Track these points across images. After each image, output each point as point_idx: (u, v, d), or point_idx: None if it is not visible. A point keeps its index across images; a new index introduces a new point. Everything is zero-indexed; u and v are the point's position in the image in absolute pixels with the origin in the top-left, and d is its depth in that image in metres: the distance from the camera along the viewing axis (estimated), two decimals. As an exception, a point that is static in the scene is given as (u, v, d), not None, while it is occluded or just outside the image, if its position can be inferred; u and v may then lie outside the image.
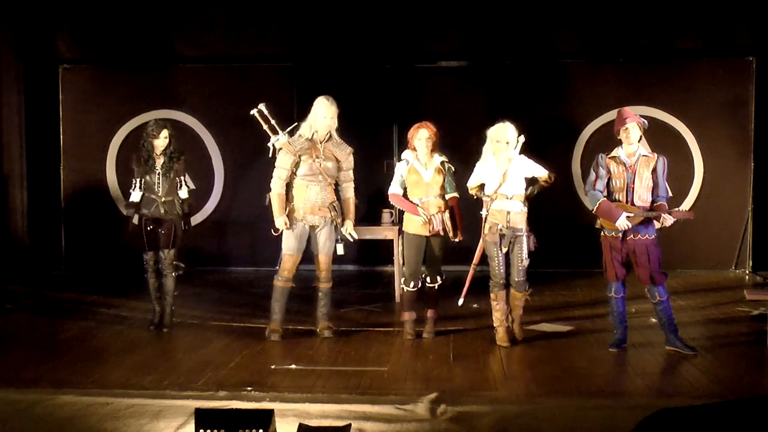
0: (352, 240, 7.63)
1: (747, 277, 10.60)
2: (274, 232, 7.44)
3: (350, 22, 10.95)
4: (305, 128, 7.46)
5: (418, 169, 7.29)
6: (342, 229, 7.52)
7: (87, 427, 5.37)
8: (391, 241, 9.46)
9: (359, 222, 9.70)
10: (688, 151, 10.77)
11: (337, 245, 7.53)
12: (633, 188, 6.81)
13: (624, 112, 6.92)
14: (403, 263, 7.51)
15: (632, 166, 6.82)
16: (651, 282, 6.84)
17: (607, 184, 6.89)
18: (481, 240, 7.20)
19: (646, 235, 6.81)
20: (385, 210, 9.46)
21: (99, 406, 5.60)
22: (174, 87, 11.19)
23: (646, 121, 7.00)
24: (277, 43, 11.02)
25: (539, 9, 10.86)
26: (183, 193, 7.71)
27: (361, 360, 6.81)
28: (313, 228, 7.42)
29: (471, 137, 10.18)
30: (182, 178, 7.70)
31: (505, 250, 7.11)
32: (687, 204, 10.69)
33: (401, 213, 8.01)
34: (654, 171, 6.83)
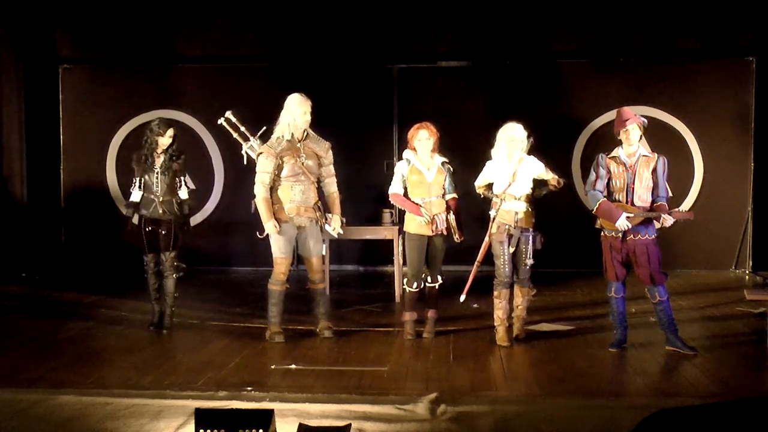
0: (338, 236, 7.62)
1: (747, 277, 10.60)
2: (260, 235, 7.41)
3: (351, 23, 10.95)
4: (282, 129, 7.34)
5: (420, 169, 7.28)
6: (329, 225, 7.48)
7: (87, 427, 5.37)
8: (391, 241, 9.46)
9: (360, 222, 9.76)
10: (688, 151, 10.77)
11: (333, 232, 7.50)
12: (633, 188, 6.81)
13: (624, 112, 6.91)
14: (404, 263, 7.51)
15: (632, 167, 6.82)
16: (651, 282, 6.85)
17: (608, 184, 6.89)
18: (486, 238, 7.23)
19: (646, 235, 6.81)
20: (385, 210, 9.46)
21: (99, 406, 5.60)
22: (174, 87, 11.19)
23: (645, 120, 7.00)
24: (277, 43, 11.02)
25: (539, 9, 10.86)
26: (183, 194, 7.70)
27: (361, 360, 6.81)
28: (300, 229, 7.38)
29: (471, 137, 10.25)
30: (182, 178, 7.68)
31: (512, 249, 7.15)
32: (687, 204, 10.69)
33: (401, 213, 8.02)
34: (654, 171, 6.83)
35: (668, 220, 6.77)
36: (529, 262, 7.18)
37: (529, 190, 7.17)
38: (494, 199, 7.21)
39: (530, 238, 7.16)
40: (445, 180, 7.32)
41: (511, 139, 7.13)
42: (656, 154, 6.91)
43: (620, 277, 6.93)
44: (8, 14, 10.74)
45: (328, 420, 5.31)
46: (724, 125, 10.78)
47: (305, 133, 7.40)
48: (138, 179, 7.63)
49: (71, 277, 10.62)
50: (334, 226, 7.49)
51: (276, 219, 7.30)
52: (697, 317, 8.28)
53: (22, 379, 6.24)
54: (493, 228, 7.18)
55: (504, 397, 5.84)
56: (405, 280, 7.44)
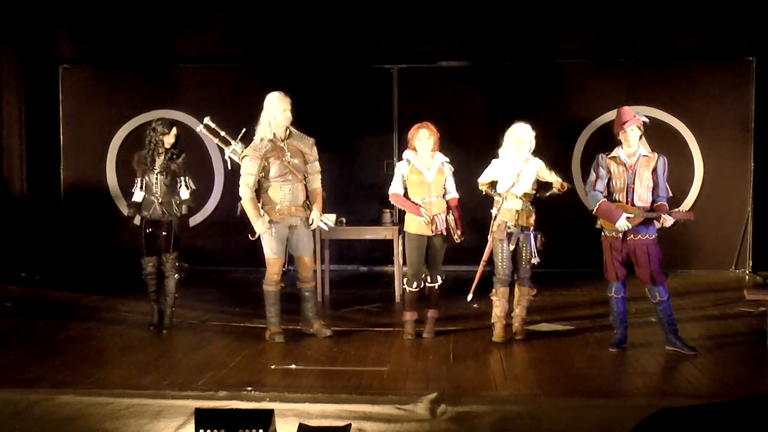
0: (327, 229, 7.62)
1: (747, 277, 10.60)
2: (251, 236, 7.40)
3: (351, 23, 10.95)
4: (263, 130, 7.29)
5: (420, 169, 7.29)
6: (322, 223, 7.47)
7: (87, 427, 5.37)
8: (391, 241, 9.46)
9: (360, 222, 9.75)
10: (688, 151, 10.76)
11: (318, 223, 7.45)
12: (633, 188, 6.81)
13: (623, 113, 6.90)
14: (404, 263, 7.51)
15: (632, 167, 6.82)
16: (651, 282, 6.85)
17: (608, 184, 6.90)
18: (489, 237, 7.25)
19: (647, 235, 6.81)
20: (385, 210, 9.45)
21: (99, 406, 5.60)
22: (174, 87, 11.19)
23: (646, 119, 7.00)
24: (277, 43, 11.01)
25: (539, 9, 10.85)
26: (184, 194, 7.69)
27: (361, 360, 6.81)
28: (291, 228, 7.37)
29: (471, 137, 10.25)
30: (183, 178, 7.67)
31: (512, 247, 7.21)
32: (687, 204, 10.68)
33: (401, 213, 8.02)
34: (654, 171, 6.84)
35: (668, 221, 6.77)
36: (535, 260, 7.23)
37: (531, 190, 7.20)
38: (497, 198, 7.24)
39: (530, 237, 7.19)
40: (445, 180, 7.33)
41: (519, 139, 7.18)
42: (656, 154, 6.91)
43: (620, 278, 6.93)
44: (8, 14, 10.74)
45: (328, 420, 5.32)
46: (724, 125, 10.78)
47: (288, 131, 7.35)
48: (139, 180, 7.62)
49: (71, 277, 10.62)
50: (313, 222, 7.40)
51: (268, 220, 7.28)
52: (697, 317, 8.28)
53: (22, 379, 6.24)
54: (494, 226, 7.22)
55: (504, 397, 5.84)
56: (405, 280, 7.44)
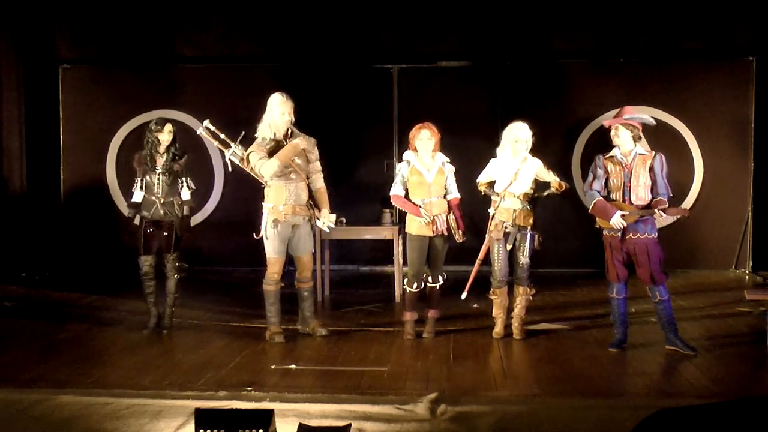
0: (328, 230, 7.63)
1: (747, 277, 10.60)
2: (256, 235, 7.40)
3: (350, 22, 10.95)
4: (264, 130, 7.34)
5: (420, 170, 7.29)
6: (320, 221, 7.48)
7: (87, 427, 5.37)
8: (391, 241, 9.46)
9: (360, 222, 9.75)
10: (688, 151, 10.77)
11: (323, 226, 7.47)
12: (630, 187, 6.84)
13: (620, 112, 6.98)
14: (404, 263, 7.52)
15: (628, 165, 6.85)
16: (652, 282, 6.85)
17: (606, 183, 6.93)
18: (487, 236, 7.28)
19: (646, 234, 6.82)
20: (385, 210, 9.46)
21: (99, 406, 5.60)
22: (174, 87, 11.19)
23: (646, 118, 7.01)
24: (277, 44, 11.01)
25: (540, 9, 10.85)
26: (185, 195, 7.68)
27: (361, 360, 6.81)
28: (294, 227, 7.37)
29: (471, 137, 10.25)
30: (184, 179, 7.67)
31: (509, 247, 7.24)
32: (687, 204, 10.69)
33: (401, 213, 8.02)
34: (651, 169, 6.85)
35: (663, 217, 6.77)
36: (525, 261, 7.22)
37: (529, 189, 7.23)
38: (494, 198, 7.26)
39: (528, 237, 7.20)
40: (446, 180, 7.34)
41: (517, 139, 7.21)
42: (653, 152, 6.94)
43: (621, 278, 6.93)
44: (8, 14, 10.74)
45: (328, 420, 5.32)
46: (724, 125, 10.78)
47: (290, 132, 7.37)
48: (139, 180, 7.62)
49: (71, 277, 10.62)
50: (324, 221, 7.46)
51: (273, 220, 7.29)
52: (697, 317, 8.27)
53: (22, 379, 6.24)
54: (491, 226, 7.25)
55: (504, 397, 5.84)
56: (405, 280, 7.45)
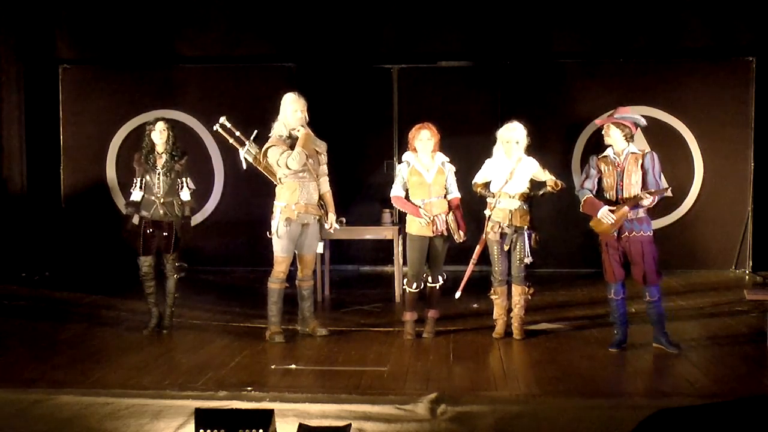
0: (333, 232, 7.64)
1: (747, 277, 10.60)
2: (269, 234, 7.42)
3: (350, 22, 10.95)
4: (279, 129, 7.38)
5: (420, 170, 7.30)
6: (327, 224, 7.50)
7: (87, 427, 5.37)
8: (391, 241, 9.46)
9: (360, 222, 9.76)
10: (688, 151, 10.76)
11: (319, 243, 7.54)
12: (622, 186, 6.86)
13: (615, 110, 7.01)
14: (404, 263, 7.52)
15: (621, 164, 6.88)
16: (644, 282, 6.87)
17: (599, 183, 6.97)
18: (482, 236, 7.29)
19: (641, 232, 6.84)
20: (385, 210, 9.46)
21: (99, 406, 5.60)
22: (174, 87, 11.19)
23: (637, 118, 7.03)
24: (277, 43, 11.02)
25: (539, 9, 10.86)
26: (185, 195, 7.67)
27: (361, 360, 6.81)
28: (304, 226, 7.40)
29: (471, 137, 10.25)
30: (184, 179, 7.66)
31: (507, 247, 7.25)
32: (687, 204, 10.70)
33: (402, 213, 8.02)
34: (643, 166, 6.86)
35: (646, 199, 6.78)
36: (527, 260, 7.24)
37: (525, 189, 7.25)
38: (489, 199, 7.28)
39: (525, 237, 7.21)
40: (446, 180, 7.34)
41: (506, 140, 7.24)
42: (644, 151, 6.97)
43: (618, 278, 6.94)
44: (8, 14, 10.74)
45: (328, 420, 5.32)
46: (724, 125, 10.77)
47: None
48: (139, 179, 7.61)
49: (71, 277, 10.62)
50: (330, 225, 7.50)
51: (286, 219, 7.29)
52: (697, 317, 8.27)
53: (22, 379, 6.23)
54: (488, 227, 7.26)
55: (504, 397, 5.83)
56: (405, 280, 7.45)
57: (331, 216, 7.52)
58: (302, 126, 7.37)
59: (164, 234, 7.60)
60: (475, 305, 8.40)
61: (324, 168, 7.54)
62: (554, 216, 10.23)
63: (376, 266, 11.12)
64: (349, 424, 5.15)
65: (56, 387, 5.95)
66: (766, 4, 10.44)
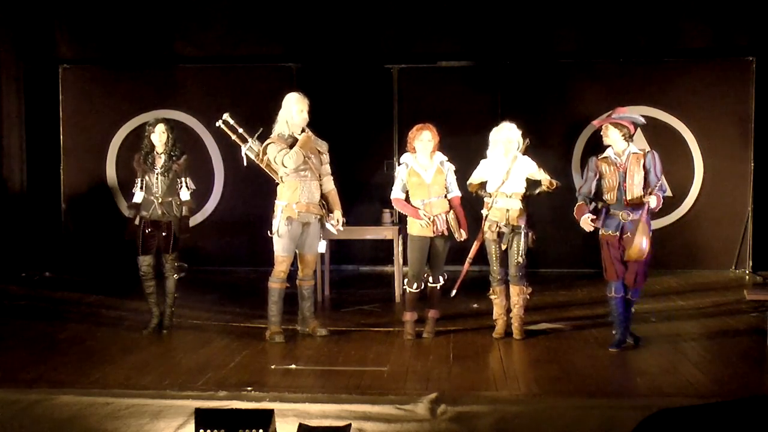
0: (337, 232, 7.63)
1: (747, 277, 10.59)
2: (270, 233, 7.42)
3: (350, 22, 10.95)
4: (281, 127, 7.39)
5: (418, 171, 7.31)
6: (331, 222, 7.49)
7: (87, 427, 5.37)
8: (391, 241, 9.46)
9: (360, 222, 9.76)
10: (688, 151, 10.76)
11: (321, 242, 7.53)
12: (625, 187, 6.86)
13: (613, 111, 7.01)
14: (404, 263, 7.52)
15: (623, 165, 6.88)
16: (634, 283, 6.90)
17: (600, 184, 6.96)
18: (479, 235, 7.30)
19: None
20: (385, 210, 9.46)
21: (99, 406, 5.60)
22: (174, 87, 11.19)
23: (636, 117, 7.03)
24: (277, 43, 11.02)
25: (539, 9, 10.86)
26: (184, 195, 7.66)
27: (361, 360, 6.81)
28: (305, 226, 7.40)
29: (471, 137, 10.20)
30: (183, 179, 7.65)
31: (504, 247, 7.27)
32: (687, 204, 10.70)
33: (402, 213, 8.01)
34: (644, 166, 6.86)
35: (652, 201, 6.78)
36: (520, 260, 7.23)
37: (521, 189, 7.28)
38: (486, 199, 7.30)
39: (522, 236, 7.22)
40: (446, 179, 7.34)
41: (507, 139, 7.26)
42: (645, 150, 6.97)
43: (620, 275, 6.94)
44: (8, 14, 10.74)
45: (328, 420, 5.32)
46: (724, 125, 10.77)
47: (305, 132, 7.40)
48: (139, 180, 7.61)
49: (71, 277, 10.62)
50: (334, 222, 7.50)
51: (287, 218, 7.30)
52: (697, 317, 8.27)
53: (22, 379, 6.23)
54: (485, 226, 7.28)
55: (504, 397, 5.83)
56: (405, 280, 7.44)
57: (337, 213, 7.52)
58: (305, 128, 7.38)
59: (163, 234, 7.59)
60: (475, 305, 8.40)
61: (327, 167, 7.54)
62: (554, 216, 10.22)
63: (376, 266, 11.12)
64: (349, 424, 5.15)
65: (56, 387, 5.95)
66: (765, 4, 10.44)
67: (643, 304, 7.76)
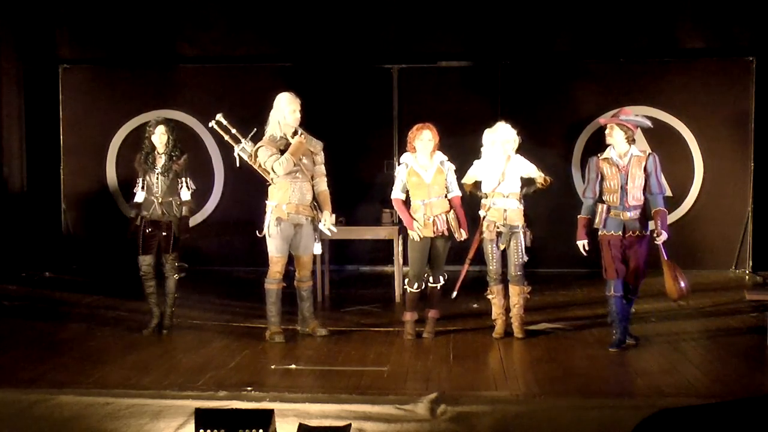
0: (330, 234, 7.62)
1: (747, 277, 10.60)
2: (259, 233, 7.42)
3: (350, 22, 10.95)
4: (273, 128, 7.38)
5: (418, 171, 7.31)
6: (322, 223, 7.49)
7: (87, 427, 5.37)
8: (391, 241, 9.46)
9: (360, 222, 9.76)
10: (688, 151, 10.76)
11: (316, 244, 7.53)
12: (627, 189, 6.86)
13: (620, 111, 7.00)
14: (405, 263, 7.52)
15: (625, 167, 6.88)
16: (635, 280, 6.89)
17: (601, 186, 6.95)
18: (476, 235, 7.31)
19: (643, 231, 6.91)
20: (385, 210, 9.46)
21: (99, 406, 5.60)
22: (174, 87, 11.19)
23: (642, 121, 7.03)
24: (277, 43, 11.02)
25: (539, 9, 10.86)
26: (185, 195, 7.67)
27: (361, 360, 6.81)
28: (297, 227, 7.39)
29: (471, 137, 10.20)
30: (184, 179, 7.65)
31: (502, 247, 7.29)
32: (687, 204, 10.70)
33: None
34: (645, 169, 6.87)
35: (662, 239, 6.80)
36: (523, 259, 7.25)
37: (517, 189, 7.30)
38: (483, 200, 7.32)
39: (519, 235, 7.23)
40: (446, 179, 7.34)
41: (503, 140, 7.27)
42: (647, 152, 6.97)
43: (620, 274, 6.94)
44: (8, 14, 10.74)
45: (328, 420, 5.32)
46: (724, 125, 10.77)
47: (298, 131, 7.38)
48: (140, 180, 7.61)
49: (71, 277, 10.61)
50: (325, 222, 7.47)
51: (276, 218, 7.30)
52: (697, 317, 8.27)
53: (22, 379, 6.23)
54: (483, 226, 7.31)
55: (504, 397, 5.83)
56: (406, 280, 7.45)
57: (326, 213, 7.47)
58: (298, 128, 7.35)
59: (163, 234, 7.60)
60: (475, 305, 8.40)
61: (320, 168, 7.51)
62: (554, 216, 10.23)
63: (376, 266, 11.12)
64: (349, 424, 5.15)
65: (56, 387, 5.95)
66: (765, 4, 10.44)
67: (643, 304, 7.77)
